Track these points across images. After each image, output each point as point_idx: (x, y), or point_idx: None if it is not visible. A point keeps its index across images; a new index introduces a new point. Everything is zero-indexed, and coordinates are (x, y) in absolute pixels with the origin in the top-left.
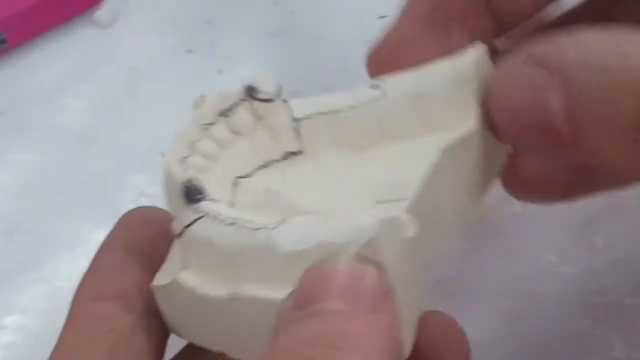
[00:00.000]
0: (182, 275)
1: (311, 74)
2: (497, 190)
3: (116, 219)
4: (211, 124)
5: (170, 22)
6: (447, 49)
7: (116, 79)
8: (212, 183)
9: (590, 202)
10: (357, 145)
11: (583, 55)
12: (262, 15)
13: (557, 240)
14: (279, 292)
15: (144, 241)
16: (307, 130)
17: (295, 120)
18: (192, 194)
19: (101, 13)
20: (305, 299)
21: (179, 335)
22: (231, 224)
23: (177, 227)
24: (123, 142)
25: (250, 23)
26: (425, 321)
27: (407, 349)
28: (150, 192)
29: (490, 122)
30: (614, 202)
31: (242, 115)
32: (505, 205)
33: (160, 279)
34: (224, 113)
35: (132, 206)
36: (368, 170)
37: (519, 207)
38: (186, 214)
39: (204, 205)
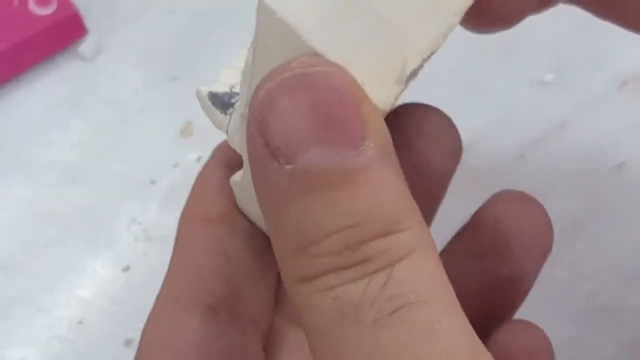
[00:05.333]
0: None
1: None
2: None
3: (110, 248)
4: None
5: (154, 52)
6: None
7: (103, 110)
8: None
9: (571, 207)
10: None
11: None
12: (242, 35)
13: None
14: None
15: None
16: None
17: None
18: (221, 99)
19: (85, 47)
20: (284, 146)
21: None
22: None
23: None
24: (113, 172)
25: (233, 46)
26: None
27: (385, 104)
28: (142, 220)
29: None
30: (595, 207)
31: None
32: None
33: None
34: None
35: (125, 235)
36: None
37: None
38: (225, 120)
39: (235, 105)
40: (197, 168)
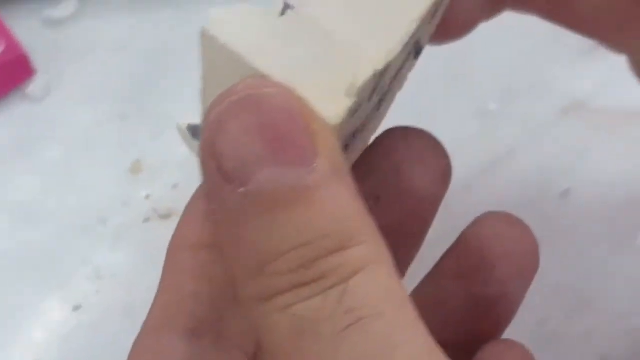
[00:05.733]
0: None
1: None
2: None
3: (60, 287)
4: None
5: (102, 91)
6: None
7: (53, 150)
8: None
9: None
10: None
11: None
12: (191, 74)
13: None
14: None
15: None
16: None
17: None
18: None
19: (34, 87)
20: (236, 169)
21: None
22: None
23: None
24: (63, 211)
25: (182, 84)
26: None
27: (335, 118)
28: (92, 259)
29: None
30: (542, 234)
31: None
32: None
33: None
34: None
35: (75, 274)
36: None
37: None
38: None
39: None
40: (147, 205)
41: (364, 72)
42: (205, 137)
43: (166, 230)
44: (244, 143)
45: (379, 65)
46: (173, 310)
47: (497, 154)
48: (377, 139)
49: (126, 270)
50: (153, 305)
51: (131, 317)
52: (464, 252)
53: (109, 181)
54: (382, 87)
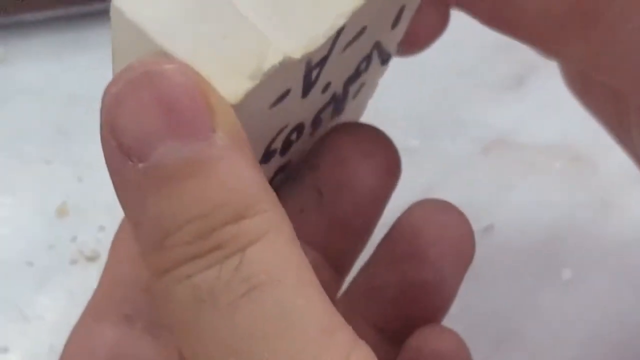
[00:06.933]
0: None
1: None
2: None
3: None
4: None
5: (27, 136)
6: None
7: None
8: None
9: None
10: None
11: None
12: None
13: None
14: None
15: None
16: None
17: None
18: None
19: None
20: (135, 145)
21: None
22: None
23: None
24: None
25: None
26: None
27: (233, 98)
28: (19, 302)
29: None
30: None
31: None
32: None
33: None
34: None
35: (3, 316)
36: None
37: None
38: None
39: None
40: (73, 248)
41: (273, 58)
42: (104, 114)
43: (92, 272)
44: (141, 119)
45: (295, 54)
46: (110, 296)
47: (420, 191)
48: (326, 134)
49: (52, 312)
50: (93, 293)
51: (57, 358)
52: (398, 238)
53: (35, 224)
54: (333, 87)
